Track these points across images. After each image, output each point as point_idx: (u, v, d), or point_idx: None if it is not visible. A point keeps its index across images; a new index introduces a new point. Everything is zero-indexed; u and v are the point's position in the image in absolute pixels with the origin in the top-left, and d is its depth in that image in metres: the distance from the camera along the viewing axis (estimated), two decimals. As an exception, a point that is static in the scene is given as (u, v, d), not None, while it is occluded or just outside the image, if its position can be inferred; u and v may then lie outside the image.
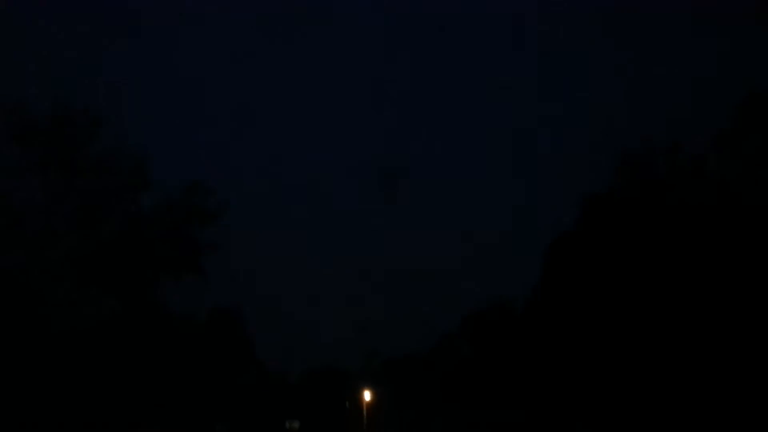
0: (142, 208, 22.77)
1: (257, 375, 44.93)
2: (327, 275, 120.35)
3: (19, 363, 19.07)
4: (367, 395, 48.71)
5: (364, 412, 48.89)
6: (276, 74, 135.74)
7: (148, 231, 22.57)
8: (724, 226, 19.09)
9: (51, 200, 20.91)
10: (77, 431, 20.88)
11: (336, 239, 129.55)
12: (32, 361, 19.59)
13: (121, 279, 22.59)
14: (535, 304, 25.95)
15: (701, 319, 19.33)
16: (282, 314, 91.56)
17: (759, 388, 17.74)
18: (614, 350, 21.34)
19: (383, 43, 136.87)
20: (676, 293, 19.90)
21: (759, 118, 20.00)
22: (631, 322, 20.92)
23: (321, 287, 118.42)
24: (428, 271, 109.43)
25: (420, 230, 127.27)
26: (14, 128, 19.60)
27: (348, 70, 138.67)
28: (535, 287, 26.36)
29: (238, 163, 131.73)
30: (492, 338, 31.60)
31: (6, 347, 18.90)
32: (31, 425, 18.97)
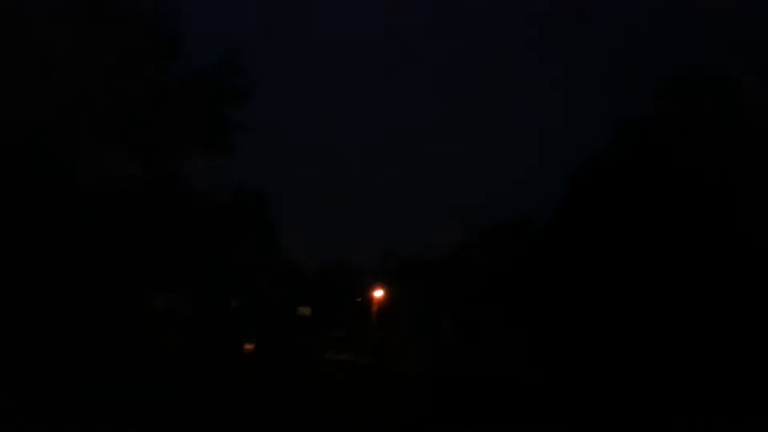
0: (173, 76, 22.58)
1: (274, 260, 46.07)
2: (354, 166, 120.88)
3: (46, 219, 19.32)
4: (378, 292, 49.85)
5: (375, 308, 50.26)
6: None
7: (177, 100, 22.47)
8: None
9: (84, 52, 20.65)
10: (93, 291, 21.33)
11: (366, 129, 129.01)
12: (58, 217, 19.90)
13: (148, 146, 22.76)
14: (555, 225, 25.63)
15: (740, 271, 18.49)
16: (305, 204, 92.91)
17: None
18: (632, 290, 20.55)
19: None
20: (714, 237, 18.99)
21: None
22: (656, 260, 20.15)
23: (347, 180, 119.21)
24: (452, 184, 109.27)
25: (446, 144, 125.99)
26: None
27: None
28: (558, 208, 25.95)
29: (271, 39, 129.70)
30: (507, 251, 31.67)
31: (34, 197, 19.07)
32: (55, 280, 19.27)
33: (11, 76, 18.82)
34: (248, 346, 37.09)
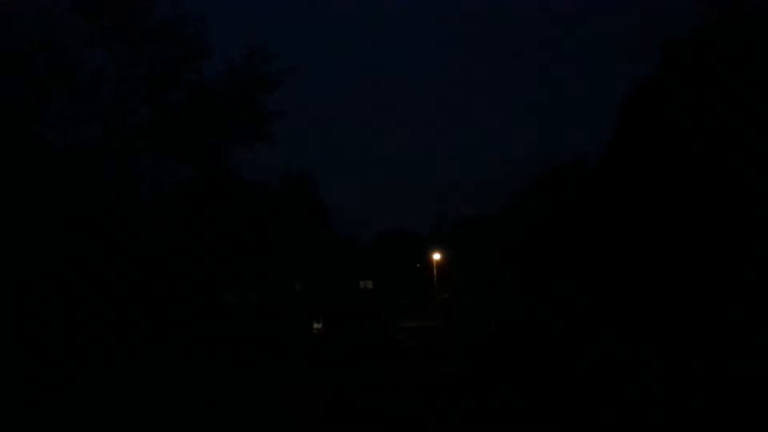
0: (206, 76, 22.87)
1: (330, 238, 46.60)
2: (399, 139, 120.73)
3: (110, 237, 19.90)
4: (437, 256, 49.96)
5: (436, 272, 50.45)
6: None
7: (214, 98, 22.76)
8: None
9: (119, 72, 21.22)
10: (164, 297, 21.97)
11: (404, 104, 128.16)
12: (121, 233, 20.50)
13: (194, 147, 23.20)
14: (609, 159, 24.96)
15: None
16: (354, 179, 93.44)
17: None
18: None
19: None
20: None
21: None
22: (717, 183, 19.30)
23: (393, 150, 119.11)
24: (499, 133, 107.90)
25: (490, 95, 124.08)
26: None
27: None
28: (610, 142, 25.24)
29: (303, 26, 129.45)
30: (563, 196, 31.13)
31: (96, 222, 19.62)
32: (122, 293, 19.87)
33: (60, 102, 19.41)
34: (317, 326, 37.76)
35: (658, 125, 21.26)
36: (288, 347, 26.57)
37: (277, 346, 26.19)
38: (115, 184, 21.12)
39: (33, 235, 15.86)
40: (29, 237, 15.77)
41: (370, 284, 53.23)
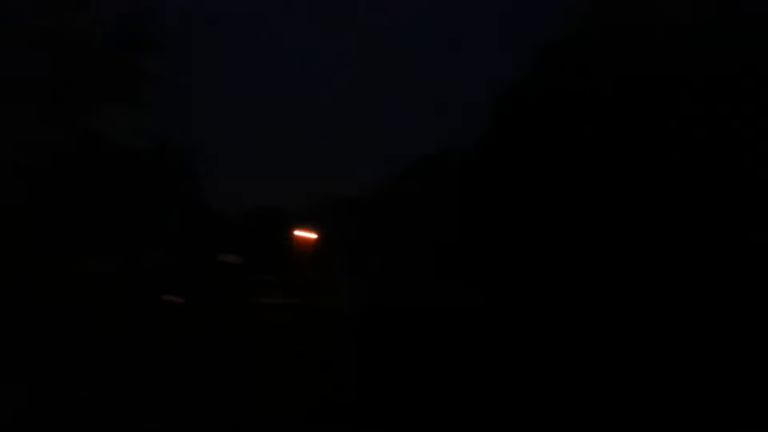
0: (80, 29, 21.31)
1: (198, 210, 45.12)
2: (274, 113, 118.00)
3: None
4: (307, 234, 49.92)
5: (305, 250, 50.41)
6: None
7: (85, 52, 21.32)
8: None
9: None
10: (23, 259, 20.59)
11: (285, 77, 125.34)
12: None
13: (59, 103, 21.66)
14: (485, 154, 26.08)
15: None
16: (227, 152, 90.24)
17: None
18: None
19: None
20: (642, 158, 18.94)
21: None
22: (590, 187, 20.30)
23: (267, 124, 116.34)
24: (373, 118, 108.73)
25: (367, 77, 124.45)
26: None
27: None
28: (483, 137, 26.41)
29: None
30: (434, 185, 32.18)
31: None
32: None
33: None
34: (174, 298, 36.48)
35: (530, 124, 22.51)
36: (133, 319, 25.54)
37: (121, 317, 25.18)
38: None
39: None
40: None
41: (233, 258, 51.99)
